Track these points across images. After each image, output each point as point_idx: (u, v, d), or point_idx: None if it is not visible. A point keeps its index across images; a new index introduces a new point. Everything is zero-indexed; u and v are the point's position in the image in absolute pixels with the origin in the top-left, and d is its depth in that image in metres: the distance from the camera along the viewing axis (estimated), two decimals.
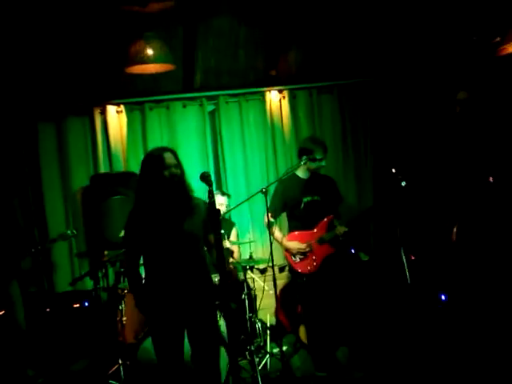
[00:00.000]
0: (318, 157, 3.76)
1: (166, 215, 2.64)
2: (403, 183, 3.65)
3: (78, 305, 4.72)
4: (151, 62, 3.71)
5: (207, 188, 2.54)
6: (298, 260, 3.78)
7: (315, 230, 3.79)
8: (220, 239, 2.55)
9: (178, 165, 2.66)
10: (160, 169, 2.61)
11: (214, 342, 2.78)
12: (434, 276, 4.38)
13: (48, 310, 4.60)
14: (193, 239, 2.68)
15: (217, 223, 2.51)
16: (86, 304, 4.74)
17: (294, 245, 3.78)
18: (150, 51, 3.65)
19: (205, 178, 2.66)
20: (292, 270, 3.89)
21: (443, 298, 4.17)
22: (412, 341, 4.03)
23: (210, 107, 5.01)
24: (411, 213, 4.75)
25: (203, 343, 2.70)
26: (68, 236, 4.00)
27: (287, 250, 3.83)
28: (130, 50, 3.66)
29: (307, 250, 3.75)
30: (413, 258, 4.62)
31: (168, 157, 2.63)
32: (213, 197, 2.50)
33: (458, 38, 4.27)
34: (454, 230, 4.03)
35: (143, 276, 2.80)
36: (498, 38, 3.92)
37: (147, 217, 2.64)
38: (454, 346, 3.69)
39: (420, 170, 4.72)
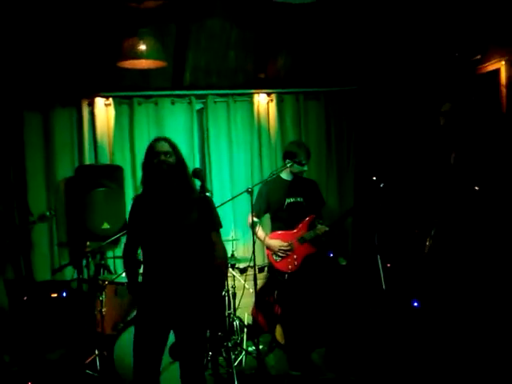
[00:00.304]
0: (302, 159, 3.87)
1: (160, 205, 2.64)
2: (381, 185, 3.80)
3: (55, 294, 4.74)
4: (144, 57, 3.76)
5: (199, 183, 2.59)
6: (279, 259, 3.87)
7: (296, 230, 3.90)
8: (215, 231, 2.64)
9: (172, 154, 2.64)
10: (151, 157, 2.63)
11: (201, 345, 2.72)
12: (407, 283, 4.51)
13: (25, 298, 4.61)
14: (186, 232, 2.62)
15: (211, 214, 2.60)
16: (64, 294, 4.76)
17: (276, 243, 3.87)
18: (143, 47, 3.70)
19: (197, 173, 2.73)
20: (273, 269, 3.98)
21: (415, 304, 4.29)
22: (385, 344, 4.16)
23: (198, 105, 5.05)
24: (390, 221, 4.89)
25: (189, 342, 2.64)
26: (46, 217, 4.03)
27: (269, 248, 3.92)
28: (123, 44, 3.71)
29: (288, 248, 3.85)
30: (388, 265, 4.76)
31: (159, 145, 2.64)
32: (204, 192, 2.56)
33: (442, 52, 4.41)
34: (427, 243, 4.15)
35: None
36: (479, 56, 4.07)
37: (145, 206, 2.67)
38: (426, 350, 3.83)
39: (401, 179, 4.86)
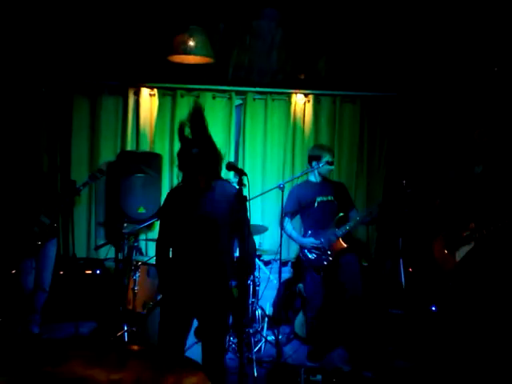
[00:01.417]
0: (327, 160, 4.02)
1: (191, 197, 2.72)
2: (409, 190, 3.91)
3: (90, 271, 5.02)
4: (192, 53, 3.94)
5: (237, 176, 2.62)
6: (314, 255, 4.04)
7: (328, 227, 4.05)
8: (245, 226, 2.63)
9: (198, 142, 2.66)
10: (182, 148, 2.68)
11: (222, 335, 2.80)
12: (427, 288, 4.61)
13: (62, 272, 4.90)
14: (210, 224, 2.69)
15: (243, 209, 2.62)
16: (98, 272, 5.03)
17: (309, 241, 4.04)
18: (192, 43, 3.88)
19: (232, 166, 2.82)
20: (308, 265, 4.12)
21: (433, 308, 4.40)
22: (403, 345, 4.29)
23: (237, 101, 5.24)
24: (415, 226, 4.99)
25: (210, 335, 2.75)
26: (97, 177, 4.23)
27: (302, 246, 4.09)
28: (174, 40, 3.90)
29: (321, 245, 4.01)
30: (410, 270, 4.86)
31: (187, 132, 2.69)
32: (242, 183, 2.58)
33: (482, 66, 4.48)
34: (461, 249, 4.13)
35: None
36: None
37: (177, 199, 2.78)
38: (441, 351, 3.94)
39: (429, 186, 4.95)
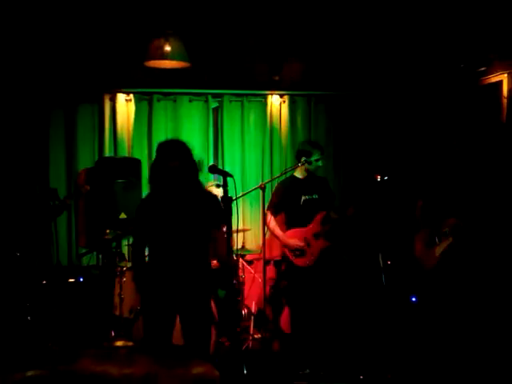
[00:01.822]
0: (316, 157, 4.11)
1: (168, 202, 2.82)
2: (385, 177, 4.00)
3: (73, 279, 4.99)
4: (169, 58, 3.98)
5: (220, 177, 2.76)
6: (296, 255, 4.11)
7: (311, 226, 4.13)
8: (230, 227, 2.75)
9: (182, 156, 2.82)
10: (164, 159, 2.80)
11: (205, 329, 2.92)
12: (406, 280, 4.76)
13: (44, 282, 4.85)
14: (193, 229, 2.82)
15: (229, 211, 2.72)
16: (81, 279, 5.01)
17: (293, 242, 4.10)
18: (168, 48, 3.92)
19: (215, 169, 2.94)
20: (291, 265, 4.19)
21: (414, 299, 4.54)
22: (385, 337, 4.42)
23: (214, 104, 5.28)
24: (391, 219, 5.14)
25: (194, 330, 2.85)
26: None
27: (286, 246, 4.16)
28: (150, 45, 3.94)
29: (304, 245, 4.09)
30: (389, 262, 5.00)
31: (172, 149, 2.84)
32: (226, 185, 2.70)
33: (448, 62, 4.66)
34: (442, 243, 4.22)
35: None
36: (483, 68, 4.32)
37: (154, 203, 2.86)
38: (422, 343, 4.08)
39: (400, 179, 5.10)
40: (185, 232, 2.82)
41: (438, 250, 4.01)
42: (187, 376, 1.79)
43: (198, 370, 1.83)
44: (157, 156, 2.88)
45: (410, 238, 4.81)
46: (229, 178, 2.71)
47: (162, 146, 2.88)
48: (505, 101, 4.11)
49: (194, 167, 2.88)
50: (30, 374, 1.75)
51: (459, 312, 3.91)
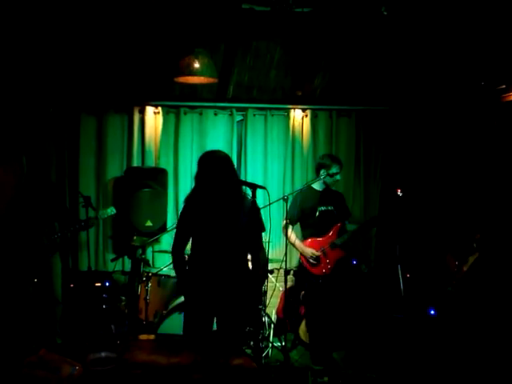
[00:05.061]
0: (334, 171, 4.25)
1: (213, 207, 2.97)
2: (400, 193, 4.10)
3: (99, 284, 5.17)
4: (197, 74, 4.16)
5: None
6: (313, 264, 4.23)
7: (327, 236, 4.26)
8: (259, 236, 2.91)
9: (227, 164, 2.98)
10: (222, 170, 2.94)
11: (240, 333, 3.04)
12: (425, 293, 4.83)
13: (72, 285, 5.05)
14: (234, 233, 2.95)
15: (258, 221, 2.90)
16: (107, 284, 5.19)
17: (309, 251, 4.24)
18: (197, 65, 4.11)
19: (243, 182, 3.09)
20: (306, 273, 4.32)
21: (432, 312, 4.60)
22: (402, 347, 4.49)
23: (238, 117, 5.45)
24: (411, 233, 5.22)
25: (229, 333, 2.97)
26: (108, 214, 4.42)
27: (303, 254, 4.29)
28: (180, 62, 4.12)
29: (321, 255, 4.21)
30: (408, 275, 5.08)
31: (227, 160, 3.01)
32: (255, 197, 2.84)
33: (469, 80, 4.75)
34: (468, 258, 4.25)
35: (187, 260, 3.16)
36: (504, 86, 4.41)
37: (198, 207, 3.01)
38: (440, 354, 4.14)
39: (424, 196, 5.19)
40: (227, 236, 2.95)
41: (465, 267, 4.11)
42: (228, 366, 1.95)
43: (237, 361, 1.99)
44: (211, 165, 2.97)
45: (432, 253, 4.90)
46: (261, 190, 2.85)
47: (208, 155, 3.01)
48: None
49: (235, 175, 3.04)
50: (103, 355, 2.01)
51: (478, 327, 3.96)
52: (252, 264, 3.11)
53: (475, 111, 4.79)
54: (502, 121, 4.51)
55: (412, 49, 4.75)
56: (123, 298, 4.67)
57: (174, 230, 5.11)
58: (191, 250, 3.12)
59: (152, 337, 2.40)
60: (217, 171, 2.90)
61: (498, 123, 4.55)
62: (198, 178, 2.99)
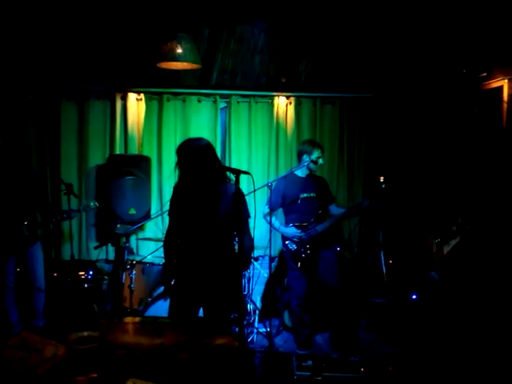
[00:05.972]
0: (317, 155, 4.25)
1: (196, 195, 2.98)
2: (383, 186, 4.15)
3: (83, 272, 5.13)
4: (180, 60, 4.11)
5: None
6: (294, 247, 4.24)
7: (310, 222, 4.27)
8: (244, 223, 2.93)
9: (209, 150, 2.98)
10: (191, 157, 2.93)
11: (227, 320, 3.07)
12: (407, 278, 4.90)
13: (55, 274, 5.00)
14: (217, 222, 2.97)
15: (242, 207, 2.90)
16: (91, 272, 5.15)
17: (291, 230, 4.25)
18: (180, 50, 4.06)
19: (227, 168, 3.08)
20: (286, 256, 4.34)
21: (414, 297, 4.68)
22: (385, 331, 4.56)
23: (222, 104, 5.42)
24: (394, 219, 5.28)
25: (215, 319, 2.99)
26: (90, 208, 4.38)
27: (285, 235, 4.29)
28: (163, 47, 4.07)
29: (302, 236, 4.22)
30: (391, 261, 5.15)
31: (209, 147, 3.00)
32: (239, 183, 2.83)
33: (452, 68, 4.79)
34: (449, 242, 4.29)
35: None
36: (484, 73, 4.46)
37: (183, 195, 3.02)
38: (421, 337, 4.23)
39: (406, 182, 5.25)
40: (208, 222, 2.96)
41: (446, 249, 4.16)
42: (211, 346, 1.96)
43: (220, 341, 2.00)
44: (186, 150, 2.97)
45: (414, 239, 4.97)
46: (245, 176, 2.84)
47: (184, 145, 3.00)
48: (505, 105, 4.24)
49: (215, 161, 3.01)
50: (85, 334, 2.00)
51: (460, 311, 4.04)
52: (238, 250, 3.10)
53: (457, 98, 4.84)
54: (482, 108, 4.57)
55: (396, 36, 4.76)
56: (106, 277, 4.64)
57: (158, 218, 5.20)
58: (178, 237, 3.12)
59: (137, 319, 2.40)
60: (193, 160, 2.90)
61: (478, 110, 4.61)
62: (179, 167, 3.00)
